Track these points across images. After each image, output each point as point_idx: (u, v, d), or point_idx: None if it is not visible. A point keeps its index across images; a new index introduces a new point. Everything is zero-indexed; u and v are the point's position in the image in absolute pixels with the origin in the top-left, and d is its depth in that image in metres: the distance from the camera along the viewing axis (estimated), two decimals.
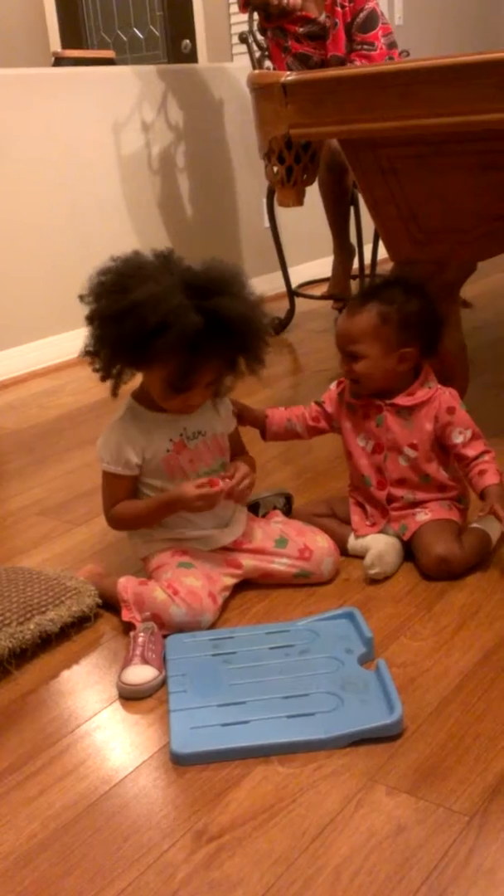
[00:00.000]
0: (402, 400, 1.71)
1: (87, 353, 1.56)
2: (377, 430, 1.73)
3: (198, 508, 1.59)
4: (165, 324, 1.44)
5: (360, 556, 1.71)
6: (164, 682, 1.42)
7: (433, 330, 1.73)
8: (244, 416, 1.79)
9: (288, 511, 1.86)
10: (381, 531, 1.74)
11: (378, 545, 1.68)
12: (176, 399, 1.58)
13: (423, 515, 1.71)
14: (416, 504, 1.73)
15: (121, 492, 1.65)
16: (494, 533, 1.72)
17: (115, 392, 1.58)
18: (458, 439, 1.69)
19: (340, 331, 1.74)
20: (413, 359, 1.71)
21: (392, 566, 1.68)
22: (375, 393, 1.73)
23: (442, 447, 1.72)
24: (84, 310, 1.53)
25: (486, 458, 1.68)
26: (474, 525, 1.72)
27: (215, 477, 1.60)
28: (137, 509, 1.65)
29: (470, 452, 1.68)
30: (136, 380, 1.63)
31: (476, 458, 1.68)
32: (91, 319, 1.52)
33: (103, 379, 1.57)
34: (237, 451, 1.75)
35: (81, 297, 1.53)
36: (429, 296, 1.73)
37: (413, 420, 1.71)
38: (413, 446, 1.71)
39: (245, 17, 3.40)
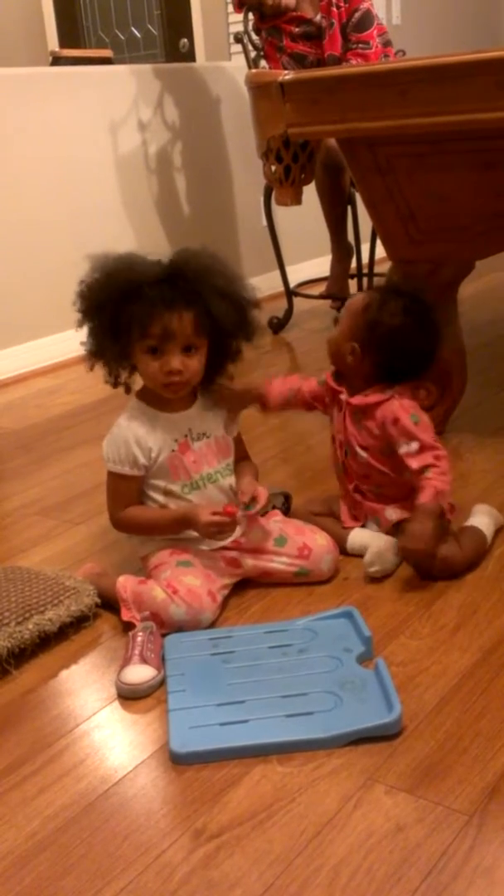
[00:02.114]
0: (354, 399, 1.72)
1: (88, 355, 1.63)
2: (341, 425, 1.75)
3: (209, 535, 1.60)
4: (133, 273, 1.53)
5: (358, 555, 1.71)
6: (162, 682, 1.42)
7: (398, 356, 1.69)
8: (234, 400, 1.72)
9: (287, 510, 1.86)
10: (364, 525, 1.75)
11: (377, 543, 1.68)
12: (155, 367, 1.57)
13: (392, 514, 1.71)
14: (385, 498, 1.72)
15: (128, 494, 1.64)
16: (489, 530, 1.73)
17: (117, 384, 1.65)
18: (403, 450, 1.65)
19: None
20: (356, 357, 1.70)
21: (392, 564, 1.68)
22: (338, 373, 1.76)
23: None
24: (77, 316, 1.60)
25: (431, 472, 1.63)
26: (468, 524, 1.73)
27: (231, 505, 1.61)
28: (149, 519, 1.65)
29: (413, 464, 1.64)
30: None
31: (419, 471, 1.63)
32: (83, 318, 1.59)
33: (108, 381, 1.64)
34: (240, 454, 1.76)
35: (74, 304, 1.59)
36: (427, 329, 1.69)
37: (363, 423, 1.71)
38: (364, 447, 1.71)
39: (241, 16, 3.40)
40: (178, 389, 1.61)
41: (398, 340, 1.68)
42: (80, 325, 1.60)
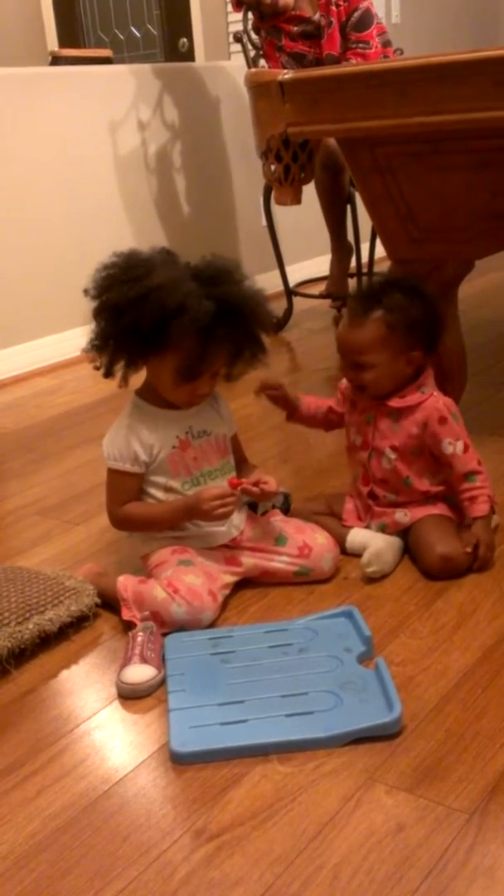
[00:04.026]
0: (393, 402, 1.71)
1: (92, 347, 1.56)
2: (366, 428, 1.75)
3: (216, 514, 1.58)
4: (184, 307, 1.47)
5: (357, 555, 1.71)
6: (163, 682, 1.42)
7: (435, 329, 1.72)
8: (278, 398, 1.82)
9: (286, 510, 1.86)
10: (367, 527, 1.75)
11: (376, 543, 1.68)
12: (184, 389, 1.59)
13: (402, 517, 1.71)
14: (397, 505, 1.73)
15: (127, 491, 1.64)
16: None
17: (124, 383, 1.59)
18: (448, 450, 1.68)
19: (345, 341, 1.71)
20: (420, 361, 1.70)
21: (389, 565, 1.68)
22: (383, 396, 1.72)
23: (432, 454, 1.71)
24: (89, 305, 1.54)
25: (478, 480, 1.67)
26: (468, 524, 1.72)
27: (234, 478, 1.62)
28: (149, 514, 1.64)
29: (460, 467, 1.67)
30: (138, 379, 1.64)
31: (466, 477, 1.67)
32: (99, 312, 1.53)
33: (106, 375, 1.58)
34: (239, 457, 1.75)
35: (86, 292, 1.54)
36: (426, 295, 1.72)
37: (400, 423, 1.71)
38: (394, 448, 1.71)
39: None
40: (196, 404, 1.63)
41: (433, 315, 1.70)
42: (95, 316, 1.54)
